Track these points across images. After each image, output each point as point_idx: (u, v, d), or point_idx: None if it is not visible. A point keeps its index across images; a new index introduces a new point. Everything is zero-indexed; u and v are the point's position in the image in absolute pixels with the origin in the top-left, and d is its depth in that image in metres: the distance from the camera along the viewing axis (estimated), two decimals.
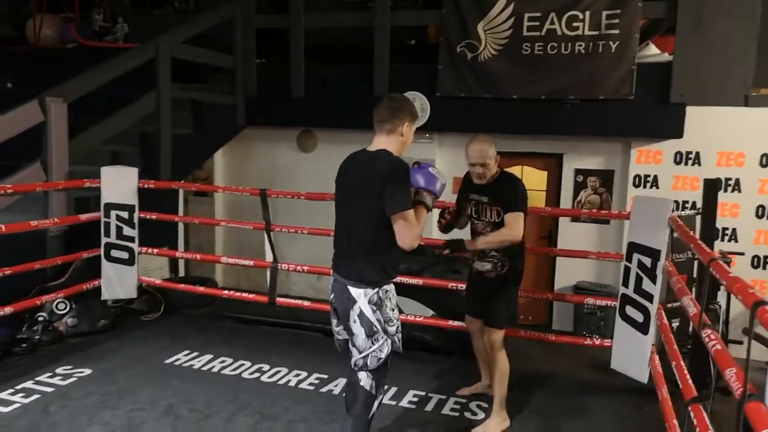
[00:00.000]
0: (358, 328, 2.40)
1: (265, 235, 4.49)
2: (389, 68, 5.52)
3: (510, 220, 3.06)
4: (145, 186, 4.65)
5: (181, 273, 6.22)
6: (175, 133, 5.21)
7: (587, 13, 4.90)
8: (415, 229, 2.36)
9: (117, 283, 4.64)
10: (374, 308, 2.40)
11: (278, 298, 4.52)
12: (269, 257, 4.51)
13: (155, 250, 4.86)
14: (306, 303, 4.58)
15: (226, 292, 4.90)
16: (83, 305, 4.47)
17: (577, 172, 5.63)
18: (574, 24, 4.94)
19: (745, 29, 4.68)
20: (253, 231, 4.74)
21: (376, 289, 2.41)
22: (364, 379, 2.43)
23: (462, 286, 3.78)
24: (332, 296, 2.54)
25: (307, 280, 6.09)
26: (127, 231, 4.60)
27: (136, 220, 4.61)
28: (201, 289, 5.00)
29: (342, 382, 3.60)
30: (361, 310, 2.39)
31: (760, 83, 4.84)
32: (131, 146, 5.26)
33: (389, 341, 2.44)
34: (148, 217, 4.69)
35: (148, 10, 7.54)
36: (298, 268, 4.54)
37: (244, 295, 4.80)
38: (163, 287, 5.01)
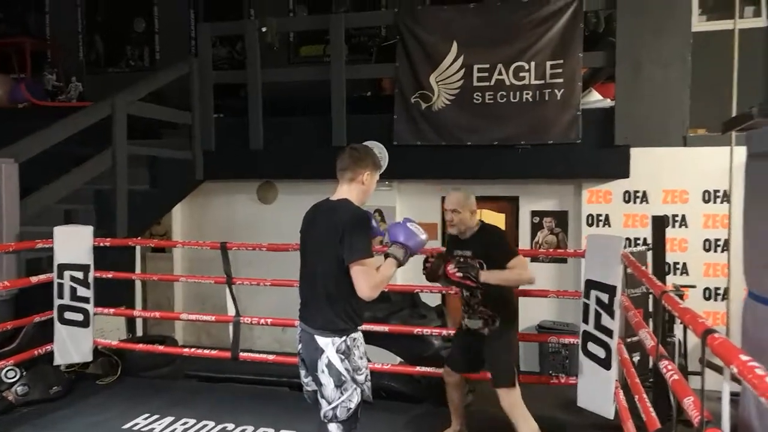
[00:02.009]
0: (326, 378, 2.38)
1: (227, 289, 4.42)
2: (347, 119, 5.63)
3: (515, 264, 3.11)
4: (101, 244, 4.54)
5: (139, 332, 6.01)
6: (131, 190, 5.14)
7: (532, 63, 5.16)
8: (374, 277, 2.35)
9: (71, 346, 4.44)
10: (342, 357, 2.38)
11: (241, 353, 4.41)
12: (231, 311, 4.43)
13: (111, 310, 4.71)
14: (270, 357, 4.48)
15: (186, 350, 4.75)
16: (35, 372, 4.25)
17: (533, 213, 5.80)
18: (521, 74, 5.19)
19: (678, 75, 5.01)
20: (213, 285, 4.66)
21: (344, 338, 2.40)
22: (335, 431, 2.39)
23: (428, 330, 3.79)
24: (300, 346, 2.51)
25: (272, 333, 5.98)
26: (81, 291, 4.44)
27: (91, 280, 4.46)
28: (160, 348, 4.83)
29: None
30: (329, 360, 2.37)
31: (695, 124, 5.16)
32: (86, 204, 5.14)
33: (359, 390, 2.41)
34: (103, 276, 4.56)
35: (103, 68, 7.56)
36: (262, 320, 4.47)
37: (206, 352, 4.67)
38: (120, 348, 4.83)
